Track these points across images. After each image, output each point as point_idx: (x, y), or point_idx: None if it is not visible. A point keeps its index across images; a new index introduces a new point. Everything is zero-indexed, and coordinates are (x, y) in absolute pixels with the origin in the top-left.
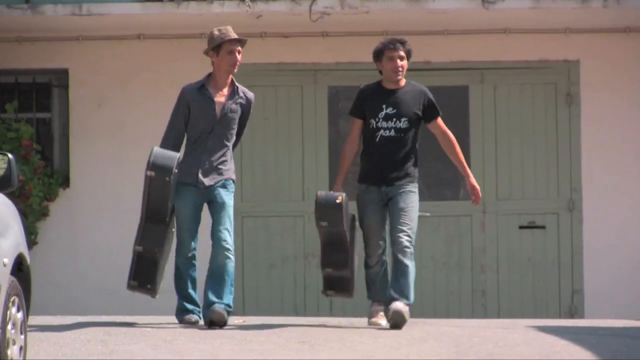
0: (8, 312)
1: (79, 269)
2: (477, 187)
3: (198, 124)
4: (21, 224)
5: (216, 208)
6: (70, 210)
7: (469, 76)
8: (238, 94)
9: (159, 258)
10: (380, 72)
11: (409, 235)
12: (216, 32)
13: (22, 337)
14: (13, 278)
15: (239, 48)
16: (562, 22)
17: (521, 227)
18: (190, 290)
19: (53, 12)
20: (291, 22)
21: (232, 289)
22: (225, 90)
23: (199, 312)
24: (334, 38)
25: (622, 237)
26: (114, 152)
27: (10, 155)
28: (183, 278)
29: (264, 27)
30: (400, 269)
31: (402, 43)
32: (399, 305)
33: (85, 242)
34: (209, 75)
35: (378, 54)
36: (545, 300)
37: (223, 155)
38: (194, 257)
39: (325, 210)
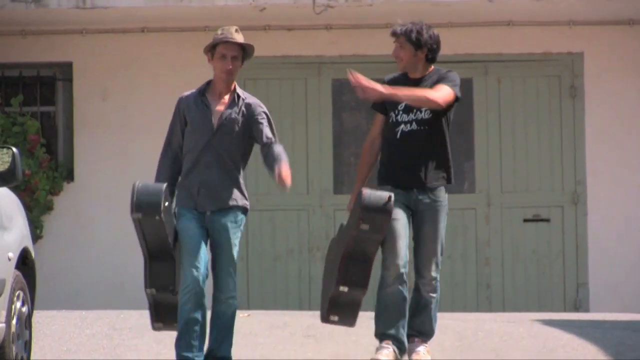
0: (13, 307)
1: (84, 263)
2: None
3: (194, 137)
4: (26, 217)
5: (214, 246)
6: (74, 204)
7: (473, 69)
8: (238, 102)
9: (177, 295)
10: None
11: (436, 265)
12: (218, 32)
13: (27, 331)
14: (18, 272)
15: (235, 54)
16: (566, 14)
17: (525, 220)
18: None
19: (57, 5)
20: (295, 15)
21: (232, 333)
22: (226, 98)
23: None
24: (337, 31)
25: (627, 230)
26: (119, 146)
27: (14, 149)
28: (188, 311)
29: (267, 19)
30: (422, 303)
31: (404, 32)
32: (420, 352)
33: (90, 236)
34: (209, 82)
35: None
36: (550, 294)
37: (225, 175)
38: (203, 280)
39: (372, 211)
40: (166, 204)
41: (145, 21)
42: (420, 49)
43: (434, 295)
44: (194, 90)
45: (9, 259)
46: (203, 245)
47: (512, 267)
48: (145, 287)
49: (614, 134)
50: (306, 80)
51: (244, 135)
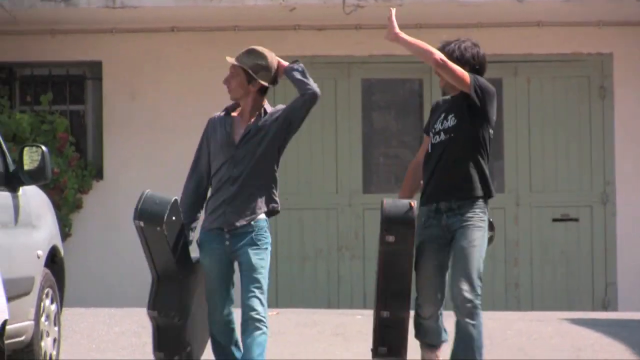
0: (42, 304)
1: (113, 261)
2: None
3: (218, 157)
4: (55, 216)
5: (243, 268)
6: (103, 202)
7: (502, 69)
8: (263, 115)
9: (183, 323)
10: None
11: (470, 285)
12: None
13: (56, 328)
14: (47, 270)
15: (231, 71)
16: (595, 15)
17: (554, 220)
18: (236, 355)
19: (86, 5)
20: (325, 15)
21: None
22: (251, 116)
23: None
24: (367, 31)
25: None
26: (148, 144)
27: (43, 148)
28: (223, 348)
29: (297, 19)
30: (460, 331)
31: (446, 51)
32: None
33: (118, 234)
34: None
35: None
36: (578, 293)
37: (253, 188)
38: (230, 322)
39: (395, 221)
40: (173, 218)
41: (175, 21)
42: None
43: (471, 321)
44: (222, 111)
45: (38, 257)
46: (225, 281)
47: (541, 266)
48: (148, 307)
49: None
50: (336, 81)
51: (272, 144)
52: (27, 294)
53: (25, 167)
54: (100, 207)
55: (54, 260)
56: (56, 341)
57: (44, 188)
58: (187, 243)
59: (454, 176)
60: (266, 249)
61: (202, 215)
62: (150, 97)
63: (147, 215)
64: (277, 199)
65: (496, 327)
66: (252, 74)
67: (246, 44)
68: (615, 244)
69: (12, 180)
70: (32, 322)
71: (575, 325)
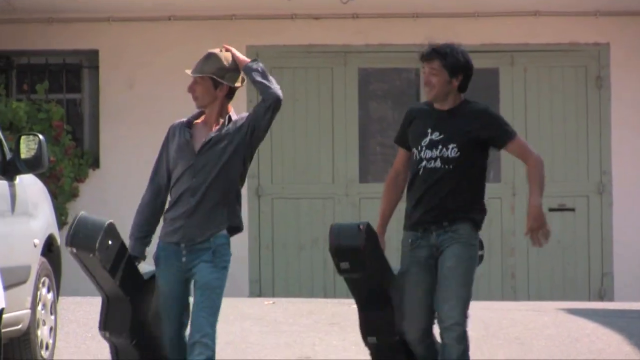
0: (38, 293)
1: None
2: (539, 216)
3: (177, 167)
4: (52, 204)
5: (197, 286)
6: (100, 190)
7: (499, 59)
8: (227, 123)
9: (138, 347)
10: None
11: (459, 307)
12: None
13: (53, 317)
14: (43, 259)
15: (196, 78)
16: (593, 4)
17: (551, 210)
18: None
19: None
20: (322, 4)
21: None
22: (214, 122)
23: None
24: (364, 20)
25: None
26: (144, 133)
27: (40, 136)
28: None
29: (294, 8)
30: (447, 355)
31: (436, 52)
32: None
33: (115, 223)
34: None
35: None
36: (574, 283)
37: (216, 201)
38: (184, 345)
39: (343, 246)
40: (109, 242)
41: (173, 10)
42: (455, 76)
43: (459, 345)
44: (184, 119)
45: (35, 246)
46: (180, 302)
47: (537, 256)
48: (99, 327)
49: None
50: (332, 70)
51: (236, 154)
52: (23, 282)
53: (22, 156)
54: (96, 195)
55: (50, 249)
56: (52, 330)
57: (40, 177)
58: (132, 263)
59: (450, 204)
60: (224, 267)
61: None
62: (147, 86)
63: (78, 241)
64: (240, 215)
65: (493, 317)
66: (218, 79)
67: (245, 34)
68: (611, 234)
69: (9, 169)
70: (29, 311)
71: (572, 315)
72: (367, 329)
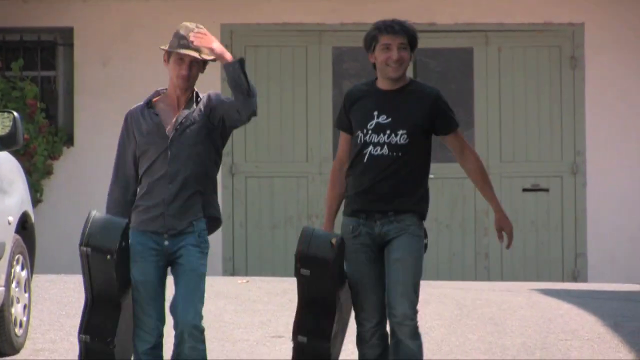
0: (12, 270)
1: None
2: (508, 224)
3: (148, 153)
4: (26, 182)
5: (180, 273)
6: (74, 168)
7: (473, 38)
8: (196, 103)
9: (113, 353)
10: (374, 66)
11: (410, 301)
12: (180, 29)
13: (27, 295)
14: (18, 236)
15: (193, 57)
16: None
17: (525, 190)
18: None
19: None
20: None
21: None
22: (182, 105)
23: None
24: None
25: (625, 200)
26: (119, 111)
27: (15, 114)
28: None
29: None
30: (401, 353)
31: (403, 27)
32: None
33: (89, 200)
34: (159, 91)
35: (370, 41)
36: (548, 264)
37: (194, 185)
38: (159, 345)
39: (310, 255)
40: (123, 244)
41: None
42: (413, 53)
43: (414, 341)
44: (140, 103)
45: (9, 223)
46: (158, 292)
47: None
48: (79, 332)
49: (614, 105)
50: (307, 48)
51: (209, 135)
52: None
53: None
54: (70, 173)
55: (24, 227)
56: (26, 307)
57: (14, 154)
58: (129, 264)
59: (397, 194)
60: (206, 254)
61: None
62: (122, 64)
63: (95, 242)
64: (217, 206)
65: (466, 297)
66: (209, 60)
67: (219, 12)
68: (585, 215)
69: None
70: (3, 288)
71: (546, 296)
72: (301, 328)
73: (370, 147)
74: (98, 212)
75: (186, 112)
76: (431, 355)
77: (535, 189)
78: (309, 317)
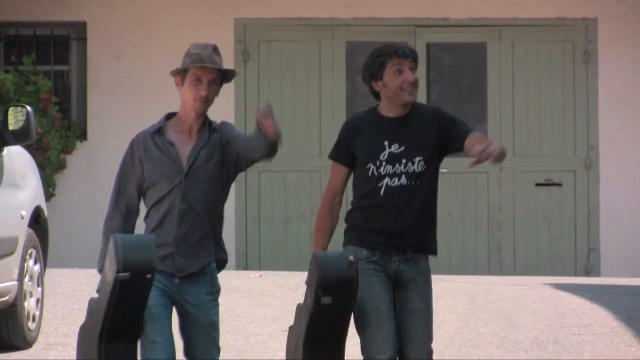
0: (25, 265)
1: (96, 221)
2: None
3: (159, 186)
4: (39, 176)
5: (198, 323)
6: (87, 162)
7: (487, 33)
8: (211, 134)
9: None
10: (376, 95)
11: (424, 350)
12: (190, 49)
13: (39, 289)
14: (31, 230)
15: (213, 77)
16: None
17: (538, 185)
18: None
19: None
20: None
21: None
22: (195, 133)
23: None
24: None
25: (638, 195)
26: (132, 105)
27: (28, 108)
28: None
29: None
30: None
31: (410, 49)
32: None
33: (102, 194)
34: (169, 116)
35: (378, 68)
36: (561, 258)
37: (206, 224)
38: None
39: (331, 278)
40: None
41: None
42: None
43: None
44: (148, 128)
45: (22, 217)
46: (166, 325)
47: (524, 231)
48: None
49: (627, 99)
50: (320, 43)
51: (222, 170)
52: (10, 254)
53: (10, 127)
54: (84, 167)
55: (37, 221)
56: (39, 301)
57: (28, 148)
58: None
59: (415, 228)
60: (217, 299)
61: None
62: (135, 58)
63: (134, 265)
64: (224, 248)
65: (479, 291)
66: (228, 78)
67: (233, 6)
68: (598, 210)
69: None
70: (16, 283)
71: (559, 290)
72: (312, 347)
73: (387, 179)
74: (118, 234)
75: (202, 143)
76: (444, 349)
77: (548, 184)
78: (319, 340)
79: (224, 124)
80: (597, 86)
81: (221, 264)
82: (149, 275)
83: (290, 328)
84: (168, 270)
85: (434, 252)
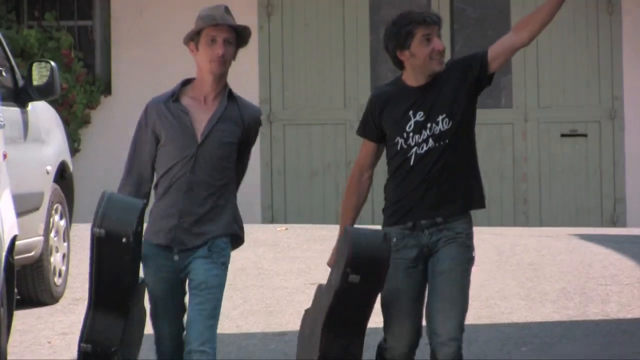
0: (51, 220)
1: (121, 176)
2: None
3: (171, 154)
4: (64, 131)
5: (192, 285)
6: (112, 117)
7: None
8: (231, 105)
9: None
10: (400, 65)
11: (458, 321)
12: (200, 12)
13: (65, 244)
14: (56, 186)
15: (227, 36)
16: None
17: (563, 136)
18: None
19: None
20: None
21: None
22: (212, 100)
23: None
24: None
25: None
26: (155, 59)
27: (52, 63)
28: None
29: None
30: None
31: (436, 15)
32: None
33: (127, 149)
34: (186, 82)
35: (406, 37)
36: (587, 209)
37: (215, 199)
38: (180, 352)
39: (364, 256)
40: (139, 228)
41: None
42: None
43: None
44: (163, 94)
45: (47, 173)
46: (176, 304)
47: (550, 182)
48: (80, 340)
49: None
50: None
51: (237, 146)
52: (36, 209)
53: (34, 83)
54: (108, 122)
55: (63, 176)
56: (65, 257)
57: (52, 104)
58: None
59: (450, 190)
60: (223, 263)
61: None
62: (158, 12)
63: (110, 223)
64: (241, 220)
65: (505, 243)
66: (243, 39)
67: None
68: (623, 160)
69: (21, 96)
70: (42, 238)
71: (585, 241)
72: (332, 326)
73: (415, 149)
74: (110, 191)
75: (219, 113)
76: (470, 302)
77: (573, 134)
78: (341, 318)
79: (252, 111)
80: (621, 36)
81: (235, 240)
82: (124, 240)
83: (306, 311)
84: (169, 244)
85: (478, 205)
